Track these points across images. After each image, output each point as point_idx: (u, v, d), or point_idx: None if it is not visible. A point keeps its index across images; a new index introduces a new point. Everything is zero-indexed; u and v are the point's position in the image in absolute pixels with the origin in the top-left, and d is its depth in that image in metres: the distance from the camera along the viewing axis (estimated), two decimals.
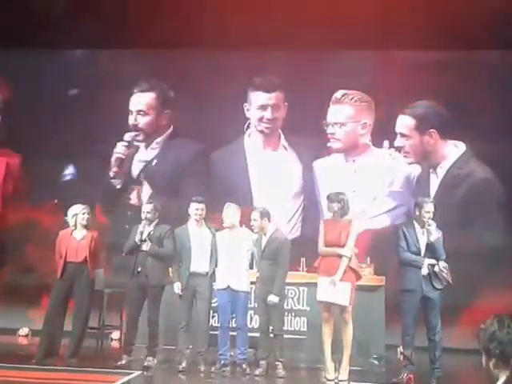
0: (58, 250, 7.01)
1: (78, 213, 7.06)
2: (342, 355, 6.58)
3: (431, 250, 6.55)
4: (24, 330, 8.80)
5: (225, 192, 9.04)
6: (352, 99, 9.37)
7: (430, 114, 9.30)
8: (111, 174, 9.71)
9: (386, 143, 9.34)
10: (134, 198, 9.64)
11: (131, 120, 9.77)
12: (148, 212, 7.01)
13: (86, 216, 7.06)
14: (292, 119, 9.42)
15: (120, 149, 9.69)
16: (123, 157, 9.70)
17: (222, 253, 6.85)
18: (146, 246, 6.92)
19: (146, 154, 9.83)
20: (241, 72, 9.58)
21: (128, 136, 9.71)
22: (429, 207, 6.60)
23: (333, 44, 9.11)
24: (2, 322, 8.80)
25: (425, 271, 6.51)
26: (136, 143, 9.76)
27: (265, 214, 6.85)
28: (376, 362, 7.45)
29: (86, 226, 7.06)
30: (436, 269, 6.51)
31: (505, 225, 9.02)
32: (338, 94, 9.37)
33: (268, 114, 9.59)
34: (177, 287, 6.88)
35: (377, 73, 9.38)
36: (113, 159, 9.70)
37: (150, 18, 9.08)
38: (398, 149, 9.30)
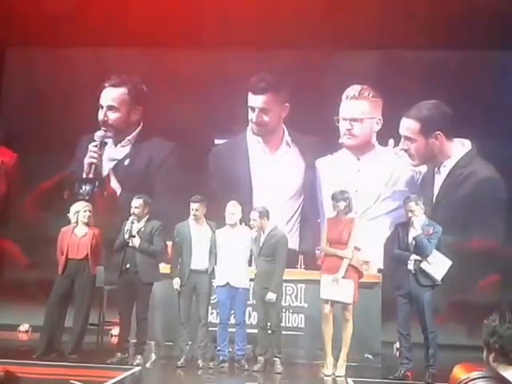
0: (60, 247, 7.04)
1: (79, 210, 7.10)
2: (340, 351, 6.67)
3: (415, 247, 6.62)
4: (24, 326, 8.82)
5: (224, 188, 9.00)
6: (369, 94, 9.26)
7: (434, 115, 9.11)
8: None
9: (391, 142, 9.20)
10: None
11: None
12: (136, 207, 6.92)
13: (88, 213, 7.09)
14: (296, 117, 9.31)
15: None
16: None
17: (221, 250, 6.88)
18: (134, 242, 6.84)
19: (117, 152, 9.81)
20: (244, 70, 9.53)
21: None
22: (409, 206, 6.65)
23: (337, 43, 9.10)
24: (3, 317, 8.85)
25: (410, 267, 6.58)
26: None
27: (264, 214, 6.89)
28: (372, 357, 7.54)
29: (87, 223, 7.08)
30: (422, 265, 6.56)
31: (508, 223, 8.94)
32: (355, 88, 9.24)
33: (254, 116, 9.46)
34: (176, 283, 6.88)
35: (381, 71, 9.29)
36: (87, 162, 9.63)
37: (149, 18, 9.14)
38: (404, 149, 9.18)
